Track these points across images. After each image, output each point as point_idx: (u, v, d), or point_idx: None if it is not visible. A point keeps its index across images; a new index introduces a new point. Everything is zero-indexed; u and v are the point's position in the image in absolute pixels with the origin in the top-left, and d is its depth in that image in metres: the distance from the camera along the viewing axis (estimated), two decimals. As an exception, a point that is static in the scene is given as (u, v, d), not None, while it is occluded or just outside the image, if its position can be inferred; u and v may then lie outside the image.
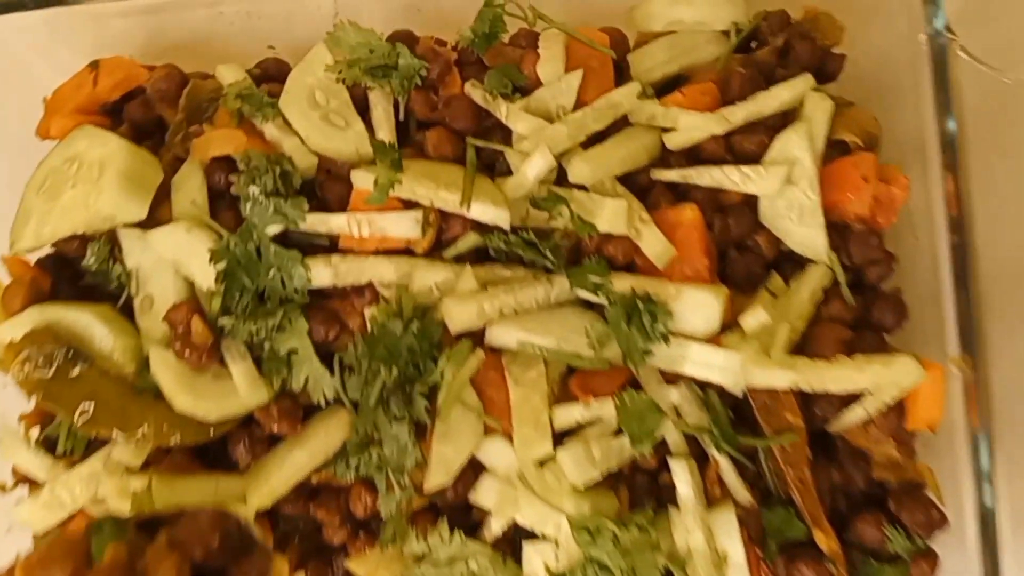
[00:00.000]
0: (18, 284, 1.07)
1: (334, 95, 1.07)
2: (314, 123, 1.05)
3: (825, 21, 1.11)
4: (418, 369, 0.96)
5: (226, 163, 1.07)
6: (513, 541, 0.99)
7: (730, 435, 0.97)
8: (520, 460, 0.95)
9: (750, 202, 1.02)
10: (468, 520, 1.01)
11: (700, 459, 0.98)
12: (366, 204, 0.98)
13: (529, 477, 0.95)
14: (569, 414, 0.96)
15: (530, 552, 0.97)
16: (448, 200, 0.97)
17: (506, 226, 0.98)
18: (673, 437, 0.98)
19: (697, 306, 0.94)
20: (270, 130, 1.05)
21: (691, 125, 1.00)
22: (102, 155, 1.04)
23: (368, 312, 1.00)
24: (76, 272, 1.12)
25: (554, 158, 0.97)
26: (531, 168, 0.97)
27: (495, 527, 0.98)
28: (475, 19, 1.05)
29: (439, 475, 0.96)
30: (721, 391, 0.97)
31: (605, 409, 0.95)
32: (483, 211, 0.97)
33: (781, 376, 0.92)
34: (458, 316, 0.96)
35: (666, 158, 1.05)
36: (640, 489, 1.00)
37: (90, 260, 1.08)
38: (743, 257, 1.02)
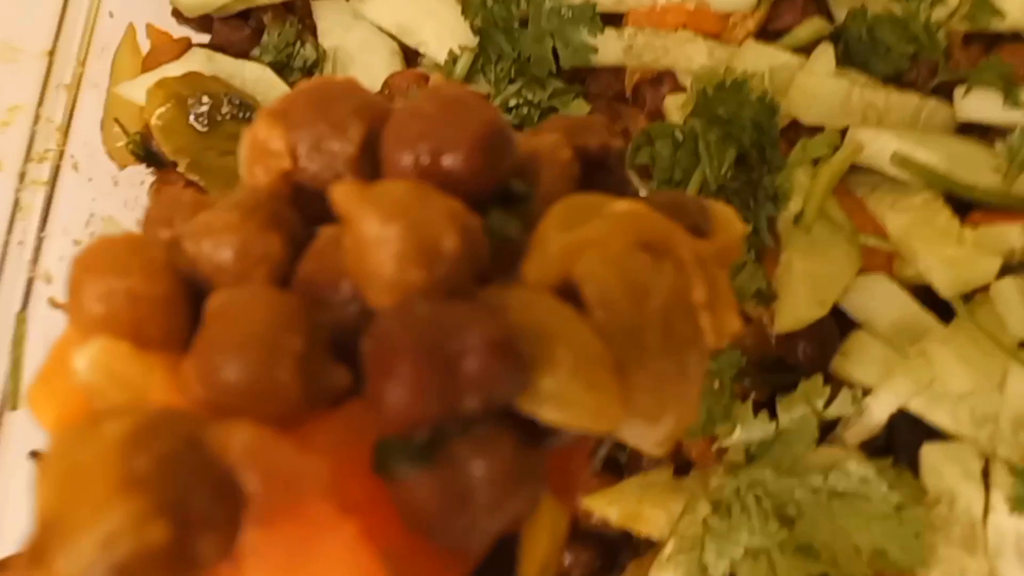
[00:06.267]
0: (159, 51, 0.77)
1: None
2: None
3: None
4: (763, 157, 0.65)
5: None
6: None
7: None
8: (949, 286, 0.60)
9: None
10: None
11: None
12: (682, -39, 0.72)
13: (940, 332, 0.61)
14: (1001, 237, 0.63)
15: (935, 457, 0.60)
16: (804, -44, 0.71)
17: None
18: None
19: None
20: None
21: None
22: None
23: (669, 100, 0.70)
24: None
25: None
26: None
27: (876, 413, 0.61)
28: None
29: (803, 305, 0.61)
30: None
31: (1051, 238, 0.63)
32: (850, -25, 0.71)
33: None
34: (820, 98, 0.67)
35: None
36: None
37: (273, 38, 0.79)
38: None
